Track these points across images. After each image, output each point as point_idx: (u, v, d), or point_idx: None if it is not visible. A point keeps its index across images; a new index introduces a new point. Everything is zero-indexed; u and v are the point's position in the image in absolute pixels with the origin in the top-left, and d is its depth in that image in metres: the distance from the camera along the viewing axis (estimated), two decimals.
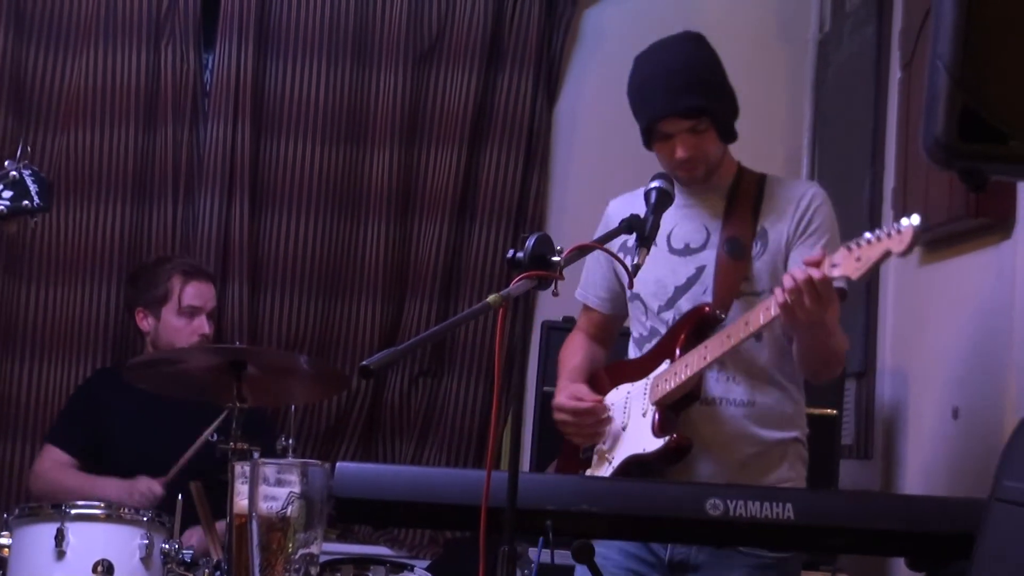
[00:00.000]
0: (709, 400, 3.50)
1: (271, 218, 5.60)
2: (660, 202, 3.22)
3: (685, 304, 3.55)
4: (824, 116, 5.57)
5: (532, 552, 4.29)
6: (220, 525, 3.99)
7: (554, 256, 2.76)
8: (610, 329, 3.88)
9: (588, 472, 3.58)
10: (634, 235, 3.16)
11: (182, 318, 4.77)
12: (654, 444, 3.42)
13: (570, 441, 3.69)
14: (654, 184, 3.26)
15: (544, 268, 2.75)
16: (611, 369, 3.72)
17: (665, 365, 3.50)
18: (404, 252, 5.66)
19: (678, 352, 3.46)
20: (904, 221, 2.97)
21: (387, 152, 5.61)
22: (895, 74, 4.62)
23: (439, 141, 5.64)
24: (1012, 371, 3.64)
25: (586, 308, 3.87)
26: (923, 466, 4.27)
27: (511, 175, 5.63)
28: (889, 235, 3.00)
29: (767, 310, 3.24)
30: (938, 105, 2.78)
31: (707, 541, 3.37)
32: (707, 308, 3.48)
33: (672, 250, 3.61)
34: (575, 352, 3.84)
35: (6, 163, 3.69)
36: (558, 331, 5.06)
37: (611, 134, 5.74)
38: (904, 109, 4.43)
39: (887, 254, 3.01)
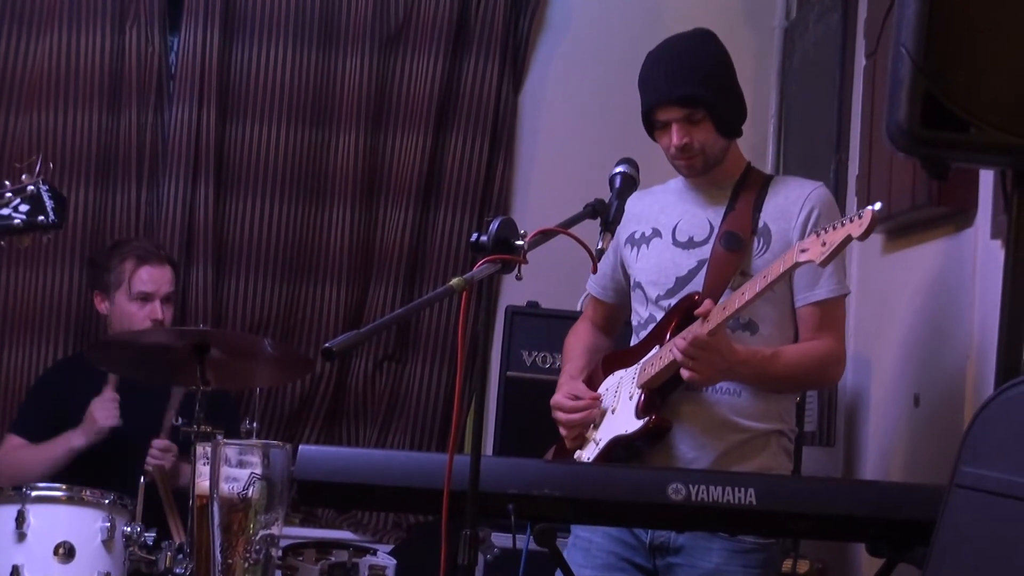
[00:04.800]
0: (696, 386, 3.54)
1: (236, 201, 5.59)
2: (624, 187, 3.24)
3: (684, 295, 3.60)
4: (789, 103, 5.58)
5: (495, 537, 4.30)
6: None
7: (518, 240, 2.77)
8: (614, 318, 3.95)
9: (577, 454, 3.63)
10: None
11: (134, 303, 4.74)
12: (635, 425, 3.49)
13: None
14: (618, 169, 3.29)
15: (508, 252, 2.75)
16: (609, 358, 3.77)
17: (655, 350, 3.55)
18: (369, 236, 5.66)
19: (668, 338, 3.51)
20: (867, 208, 3.03)
21: (353, 136, 5.60)
22: (860, 62, 4.64)
23: (405, 125, 5.64)
24: (972, 358, 3.66)
25: (592, 298, 3.95)
26: (884, 452, 4.29)
27: (476, 160, 5.63)
28: (852, 220, 3.08)
29: (741, 295, 3.30)
30: (901, 92, 2.80)
31: (670, 526, 3.40)
32: (696, 296, 3.51)
33: (676, 242, 3.66)
34: (576, 343, 3.94)
35: (23, 177, 3.71)
36: (522, 316, 5.08)
37: (576, 120, 5.76)
38: (868, 97, 4.44)
39: (848, 239, 3.08)
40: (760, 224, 3.58)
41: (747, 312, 3.51)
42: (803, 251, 3.18)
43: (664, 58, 3.58)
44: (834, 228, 3.12)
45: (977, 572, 2.41)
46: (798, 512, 3.06)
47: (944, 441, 3.73)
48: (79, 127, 5.50)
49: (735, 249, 3.54)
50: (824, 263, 3.15)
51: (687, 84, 3.51)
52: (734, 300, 3.33)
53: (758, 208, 3.60)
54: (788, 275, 3.34)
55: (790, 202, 3.59)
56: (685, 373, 3.37)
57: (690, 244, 3.64)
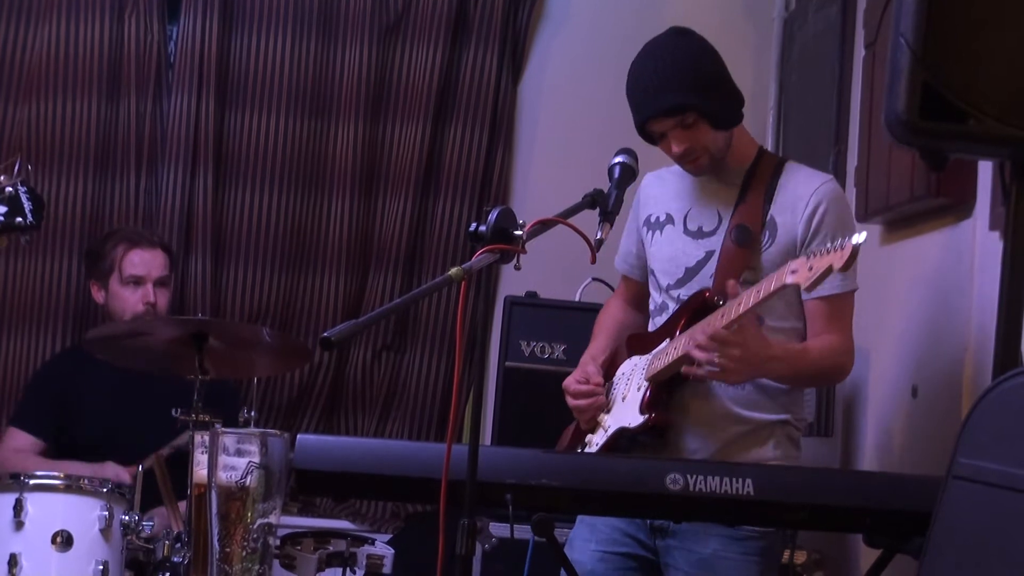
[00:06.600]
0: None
1: (235, 191, 5.59)
2: (623, 177, 3.24)
3: (694, 285, 3.60)
4: (788, 95, 5.58)
5: (493, 527, 4.31)
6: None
7: (517, 230, 2.77)
8: (646, 294, 3.91)
9: (588, 437, 3.64)
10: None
11: (127, 287, 4.75)
12: (637, 420, 3.50)
13: None
14: (617, 159, 3.29)
15: (506, 242, 2.75)
16: (633, 339, 3.77)
17: (665, 343, 3.56)
18: (368, 226, 5.66)
19: (678, 334, 3.52)
20: (853, 238, 3.01)
21: (352, 126, 5.60)
22: (859, 53, 4.64)
23: (404, 116, 5.63)
24: (970, 350, 3.67)
25: (623, 276, 3.96)
26: (882, 443, 4.29)
27: (475, 150, 5.63)
28: (836, 250, 3.05)
29: (757, 293, 3.27)
30: (900, 82, 2.80)
31: (667, 516, 3.40)
32: (707, 293, 3.51)
33: (687, 231, 3.66)
34: (605, 320, 3.95)
35: (1, 178, 3.72)
36: (520, 306, 5.07)
37: (575, 110, 5.76)
38: (868, 88, 4.44)
39: (829, 269, 3.05)
40: (768, 217, 3.56)
41: None
42: (793, 272, 3.15)
43: (645, 71, 3.54)
44: (822, 254, 3.09)
45: (974, 563, 2.42)
46: (796, 503, 3.06)
47: (942, 432, 3.73)
48: (78, 116, 5.50)
49: (745, 244, 3.53)
50: (809, 288, 3.13)
51: (668, 94, 3.48)
52: (731, 309, 3.31)
53: (768, 200, 3.58)
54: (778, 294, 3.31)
55: (798, 196, 3.56)
56: (698, 369, 3.36)
57: (700, 234, 3.63)
